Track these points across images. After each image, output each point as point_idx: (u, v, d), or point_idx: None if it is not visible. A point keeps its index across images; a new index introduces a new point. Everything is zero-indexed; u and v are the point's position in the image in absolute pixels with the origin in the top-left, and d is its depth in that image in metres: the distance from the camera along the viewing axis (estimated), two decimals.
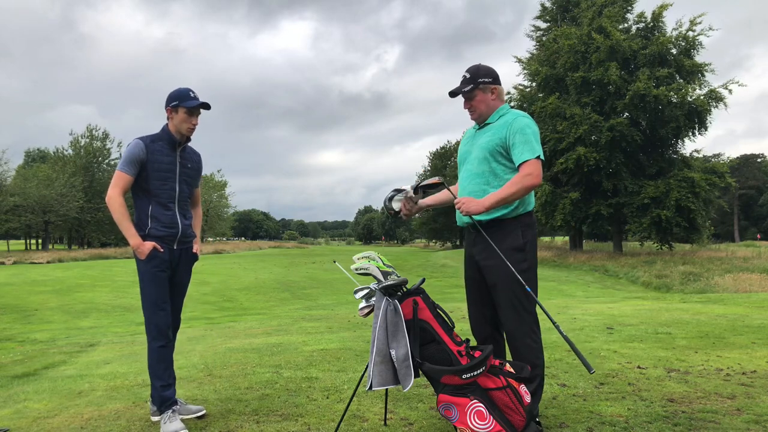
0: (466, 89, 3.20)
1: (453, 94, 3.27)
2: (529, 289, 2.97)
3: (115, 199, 3.32)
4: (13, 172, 53.06)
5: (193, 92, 3.45)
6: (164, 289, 3.38)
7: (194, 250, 3.63)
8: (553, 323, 2.77)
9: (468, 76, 3.23)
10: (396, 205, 3.34)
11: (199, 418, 3.40)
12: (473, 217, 3.09)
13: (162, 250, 3.37)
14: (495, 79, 3.23)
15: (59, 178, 50.96)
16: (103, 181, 54.78)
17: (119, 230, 3.68)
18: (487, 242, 3.07)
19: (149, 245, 3.32)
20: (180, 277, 3.55)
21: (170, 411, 3.25)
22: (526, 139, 3.07)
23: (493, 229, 3.10)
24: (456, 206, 3.14)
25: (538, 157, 3.05)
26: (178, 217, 3.47)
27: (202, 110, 3.50)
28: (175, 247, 3.47)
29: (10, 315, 14.69)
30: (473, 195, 3.16)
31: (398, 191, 3.36)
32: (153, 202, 3.40)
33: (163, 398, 3.28)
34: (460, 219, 3.26)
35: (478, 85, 3.19)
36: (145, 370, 4.82)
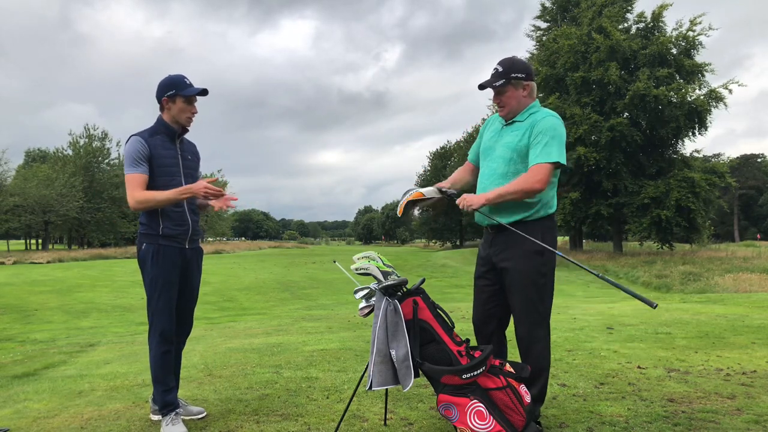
0: (497, 83, 3.02)
1: (482, 86, 3.08)
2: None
3: (140, 197, 3.12)
4: (13, 172, 53.09)
5: (187, 79, 3.26)
6: (174, 296, 3.27)
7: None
8: (597, 275, 2.72)
9: (500, 69, 3.03)
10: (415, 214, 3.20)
11: (199, 419, 3.40)
12: (495, 218, 3.02)
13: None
14: (529, 74, 3.05)
15: (59, 178, 50.86)
16: (103, 181, 54.67)
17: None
18: (505, 244, 3.02)
19: (201, 182, 3.17)
20: (192, 278, 3.41)
21: (173, 414, 3.23)
22: (547, 141, 2.93)
23: (514, 232, 3.00)
24: (459, 206, 3.03)
25: (554, 163, 2.92)
26: (188, 213, 3.32)
27: (198, 98, 3.32)
28: (186, 247, 3.33)
29: (10, 315, 14.68)
30: None
31: (414, 203, 3.21)
32: None
33: (166, 402, 3.25)
34: (480, 218, 3.17)
35: (510, 80, 3.01)
36: (145, 370, 4.83)
